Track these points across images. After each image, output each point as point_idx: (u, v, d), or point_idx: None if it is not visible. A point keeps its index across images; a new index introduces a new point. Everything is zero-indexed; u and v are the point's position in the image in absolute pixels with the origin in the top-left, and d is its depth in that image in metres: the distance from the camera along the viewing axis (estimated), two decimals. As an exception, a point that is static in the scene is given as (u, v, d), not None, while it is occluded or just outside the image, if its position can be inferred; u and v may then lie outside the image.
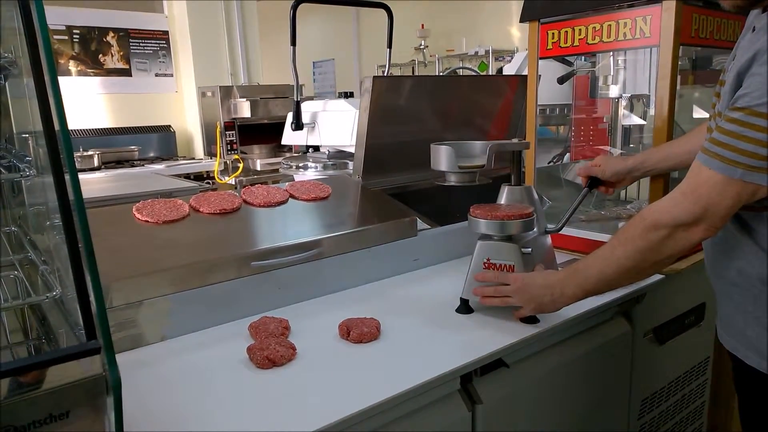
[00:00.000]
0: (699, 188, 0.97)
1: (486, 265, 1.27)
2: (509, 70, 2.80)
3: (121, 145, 4.85)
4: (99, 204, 2.46)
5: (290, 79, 2.45)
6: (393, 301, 1.40)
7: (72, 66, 4.75)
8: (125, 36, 4.97)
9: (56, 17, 4.64)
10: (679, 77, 1.49)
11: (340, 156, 2.53)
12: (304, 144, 2.67)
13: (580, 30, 1.60)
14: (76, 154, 4.32)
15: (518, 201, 1.37)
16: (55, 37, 4.65)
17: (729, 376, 1.23)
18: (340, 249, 1.48)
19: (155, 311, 1.19)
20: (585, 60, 2.05)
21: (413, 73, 6.95)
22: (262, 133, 4.77)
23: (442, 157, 1.33)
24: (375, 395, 0.96)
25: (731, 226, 1.06)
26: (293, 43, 2.23)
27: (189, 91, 5.18)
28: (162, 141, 5.15)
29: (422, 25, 6.67)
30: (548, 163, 2.24)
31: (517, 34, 6.15)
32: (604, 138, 2.09)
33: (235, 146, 4.73)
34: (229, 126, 4.70)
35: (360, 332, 1.17)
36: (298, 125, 2.48)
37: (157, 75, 5.17)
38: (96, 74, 4.88)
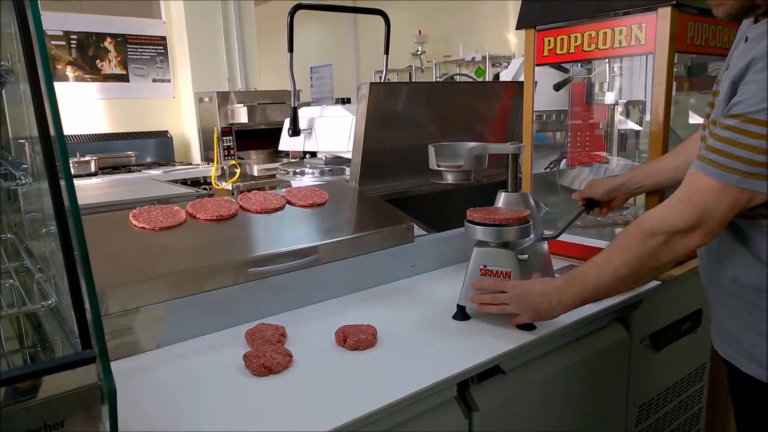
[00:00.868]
0: (695, 195, 0.97)
1: (483, 271, 1.28)
2: (506, 75, 2.81)
3: (118, 151, 4.84)
4: (95, 210, 2.46)
5: (288, 85, 2.45)
6: (390, 308, 1.40)
7: (69, 71, 4.75)
8: (123, 41, 4.98)
9: (54, 23, 4.64)
10: (674, 84, 1.50)
11: (337, 162, 2.53)
12: (302, 150, 2.66)
13: (575, 37, 1.60)
14: (73, 160, 4.31)
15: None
16: (53, 42, 4.65)
17: (725, 383, 1.23)
18: (337, 255, 1.48)
19: (151, 318, 1.19)
20: (581, 67, 2.05)
21: (410, 78, 6.96)
22: (260, 138, 4.77)
23: (429, 155, 1.42)
24: (371, 403, 0.96)
25: (726, 234, 1.06)
26: (290, 49, 2.24)
27: (186, 96, 5.19)
28: (159, 146, 5.15)
29: (419, 31, 6.69)
30: (545, 169, 2.24)
31: (514, 40, 6.17)
32: (600, 144, 2.09)
33: (232, 152, 4.74)
34: (226, 131, 4.70)
35: (356, 339, 1.17)
36: (295, 131, 2.48)
37: (154, 80, 5.17)
38: (93, 80, 4.88)
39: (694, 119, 2.08)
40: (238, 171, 4.25)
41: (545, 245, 1.46)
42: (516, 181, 1.40)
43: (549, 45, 1.67)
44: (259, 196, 1.61)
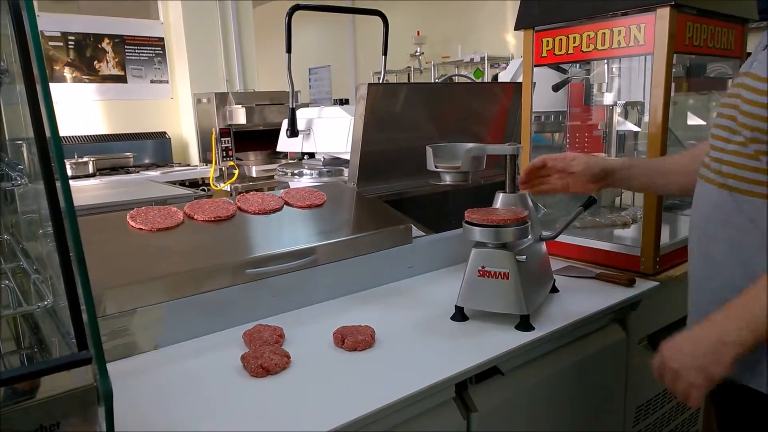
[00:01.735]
0: None
1: (481, 272, 1.27)
2: (504, 76, 2.81)
3: (116, 152, 4.84)
4: (93, 211, 2.46)
5: (286, 86, 2.45)
6: (388, 309, 1.40)
7: (67, 72, 4.75)
8: (120, 42, 4.97)
9: (51, 23, 4.64)
10: (673, 84, 1.50)
11: (335, 163, 2.53)
12: (300, 151, 2.67)
13: (574, 38, 1.60)
14: (71, 161, 4.30)
15: (513, 208, 1.38)
16: (50, 43, 4.64)
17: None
18: (335, 256, 1.48)
19: (149, 319, 1.18)
20: (579, 67, 2.05)
21: (409, 79, 6.96)
22: (258, 139, 4.77)
23: (427, 156, 1.42)
24: (369, 404, 0.96)
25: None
26: (288, 50, 2.24)
27: (184, 97, 5.18)
28: (157, 147, 5.14)
29: (418, 32, 6.69)
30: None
31: (512, 41, 6.18)
32: (598, 145, 2.09)
33: (230, 153, 4.73)
34: (224, 132, 4.70)
35: (355, 340, 1.17)
36: (293, 132, 2.49)
37: (152, 81, 5.17)
38: (91, 81, 4.87)
39: (693, 120, 2.08)
40: (236, 172, 4.24)
41: (544, 246, 1.46)
42: (514, 182, 1.40)
43: (548, 46, 1.67)
44: (257, 197, 1.61)
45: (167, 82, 5.24)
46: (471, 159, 1.40)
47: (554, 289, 1.47)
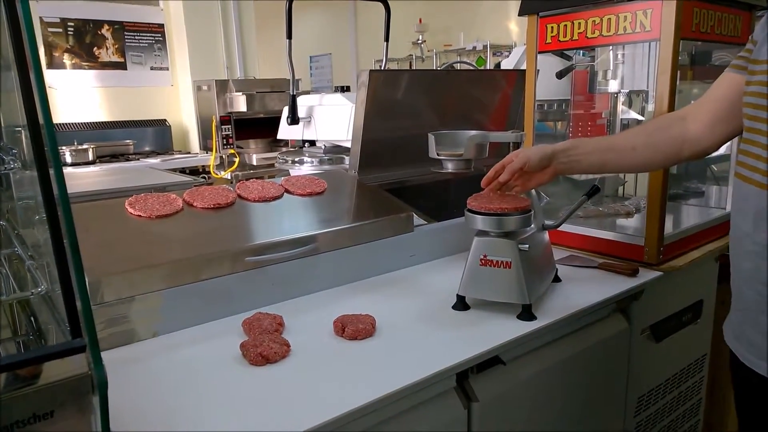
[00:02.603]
0: None
1: (483, 261, 1.26)
2: (507, 64, 2.78)
3: (116, 139, 4.82)
4: (92, 198, 2.44)
5: (287, 73, 2.43)
6: (389, 298, 1.39)
7: (66, 59, 4.71)
8: (120, 29, 4.93)
9: (50, 9, 4.60)
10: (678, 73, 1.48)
11: (336, 151, 2.51)
12: (300, 138, 2.65)
13: (579, 24, 1.58)
14: (71, 148, 4.28)
15: (515, 197, 1.36)
16: (50, 29, 4.61)
17: (725, 373, 1.21)
18: (336, 244, 1.46)
19: (147, 307, 1.17)
20: (584, 55, 2.03)
21: (410, 68, 6.92)
22: (259, 127, 4.75)
23: (429, 144, 1.42)
24: (369, 393, 0.95)
25: None
26: (289, 36, 2.21)
27: (185, 84, 5.15)
28: (157, 135, 5.12)
29: (420, 20, 6.64)
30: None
31: (515, 29, 6.13)
32: (602, 134, 2.07)
33: (231, 141, 4.71)
34: (225, 120, 4.67)
35: (355, 329, 1.16)
36: (294, 119, 2.46)
37: (152, 68, 5.13)
38: (91, 67, 4.84)
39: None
40: (236, 160, 4.23)
41: (546, 235, 1.45)
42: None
43: (552, 32, 1.64)
44: (257, 184, 1.59)
45: (167, 69, 5.21)
46: (474, 146, 1.39)
47: (556, 279, 1.46)
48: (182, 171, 4.29)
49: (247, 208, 1.51)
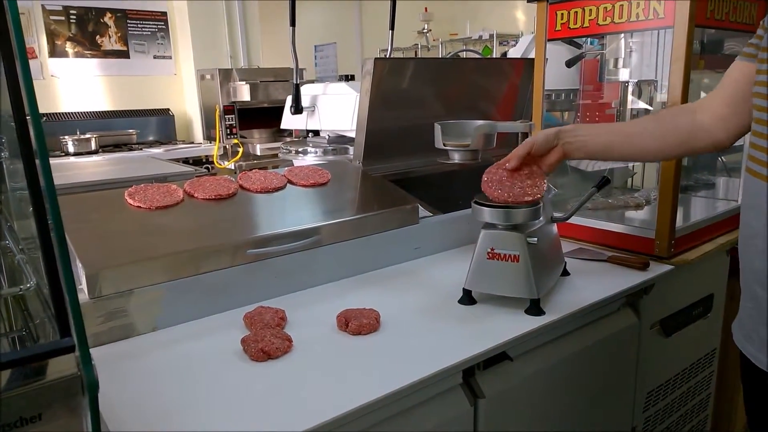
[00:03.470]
0: None
1: (490, 255, 1.23)
2: (515, 54, 2.74)
3: (119, 129, 4.79)
4: (92, 188, 2.42)
5: (290, 62, 2.39)
6: (393, 292, 1.36)
7: (69, 47, 4.68)
8: (123, 17, 4.89)
9: (53, -3, 4.57)
10: (690, 61, 1.43)
11: (340, 141, 2.47)
12: (304, 128, 2.61)
13: (590, 10, 1.53)
14: (73, 137, 4.26)
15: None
16: (52, 17, 4.57)
17: (734, 368, 1.18)
18: (339, 237, 1.44)
19: (147, 300, 1.15)
20: (593, 43, 1.98)
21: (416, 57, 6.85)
22: (262, 117, 4.71)
23: (435, 134, 1.39)
24: (374, 390, 0.92)
25: None
26: (292, 23, 2.17)
27: (188, 73, 5.11)
28: (160, 124, 5.09)
29: (425, 9, 6.56)
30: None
31: (522, 18, 6.04)
32: (611, 124, 2.03)
33: (234, 130, 4.68)
34: (228, 110, 4.64)
35: (359, 324, 1.13)
36: (297, 109, 2.43)
37: (155, 57, 5.10)
38: (93, 56, 4.80)
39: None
40: (240, 150, 4.20)
41: (555, 228, 1.41)
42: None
43: (562, 19, 1.60)
44: (260, 175, 1.56)
45: (170, 57, 5.17)
46: (481, 137, 1.36)
47: (565, 272, 1.43)
48: (185, 161, 4.26)
49: (249, 199, 1.48)
